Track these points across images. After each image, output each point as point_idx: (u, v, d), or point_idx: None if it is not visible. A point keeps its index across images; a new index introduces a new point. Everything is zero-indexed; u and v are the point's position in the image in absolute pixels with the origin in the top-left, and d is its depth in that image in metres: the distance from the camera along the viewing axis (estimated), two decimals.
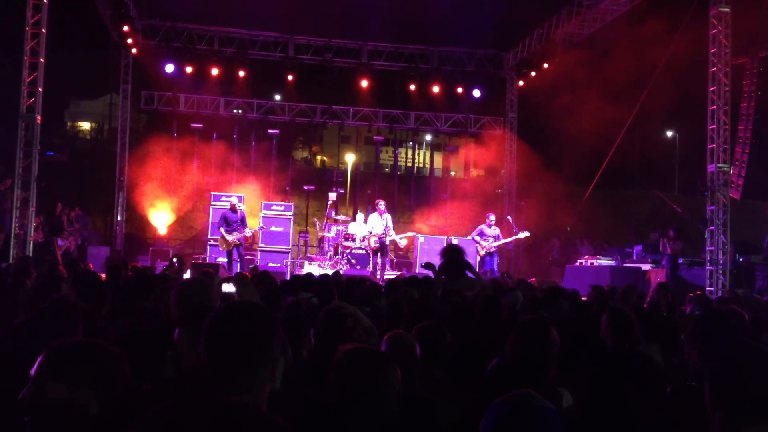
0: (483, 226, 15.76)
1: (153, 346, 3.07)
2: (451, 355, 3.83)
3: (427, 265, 8.48)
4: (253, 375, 2.02)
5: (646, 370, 4.17)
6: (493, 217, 15.88)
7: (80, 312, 3.73)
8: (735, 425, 2.07)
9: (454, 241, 17.14)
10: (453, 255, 9.08)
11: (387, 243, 15.65)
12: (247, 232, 15.40)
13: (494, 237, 15.59)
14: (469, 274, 8.90)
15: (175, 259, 11.45)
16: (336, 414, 2.33)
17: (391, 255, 17.72)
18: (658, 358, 4.67)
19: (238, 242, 14.95)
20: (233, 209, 15.16)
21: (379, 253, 15.60)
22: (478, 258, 15.57)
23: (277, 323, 2.12)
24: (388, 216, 15.81)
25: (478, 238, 15.61)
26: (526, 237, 16.04)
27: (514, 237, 16.05)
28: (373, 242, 15.57)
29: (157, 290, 5.06)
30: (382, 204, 15.91)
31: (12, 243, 13.61)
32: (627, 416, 3.16)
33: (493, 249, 15.55)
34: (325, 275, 9.12)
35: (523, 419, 1.98)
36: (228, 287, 4.37)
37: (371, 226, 15.73)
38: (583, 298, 9.06)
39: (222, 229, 15.00)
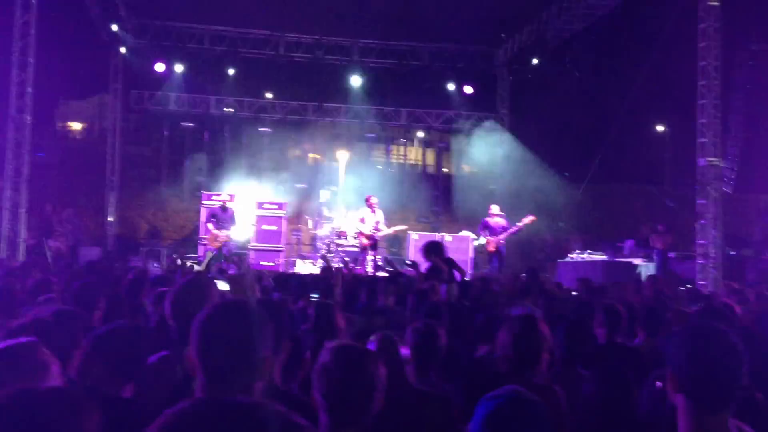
0: (488, 219, 15.34)
1: (130, 346, 3.04)
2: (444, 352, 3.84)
3: (412, 265, 8.56)
4: (244, 374, 2.02)
5: (639, 363, 4.20)
6: (495, 207, 15.55)
7: (81, 322, 3.70)
8: (696, 411, 2.10)
9: (447, 239, 17.06)
10: (434, 254, 9.11)
11: (378, 239, 15.48)
12: (236, 227, 15.43)
13: (501, 228, 15.14)
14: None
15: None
16: (320, 410, 2.35)
17: (385, 251, 17.69)
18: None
19: (227, 238, 14.98)
20: (223, 208, 15.20)
21: (370, 250, 15.44)
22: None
23: (268, 321, 2.12)
24: (380, 212, 15.56)
25: (485, 233, 15.21)
26: (532, 220, 15.38)
27: (518, 224, 15.33)
28: (365, 239, 15.40)
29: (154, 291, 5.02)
30: (374, 199, 15.59)
31: (3, 246, 13.53)
32: (630, 409, 3.17)
33: (502, 242, 15.15)
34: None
35: (511, 415, 1.96)
36: (221, 285, 4.36)
37: (363, 221, 15.47)
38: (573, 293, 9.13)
39: (210, 225, 15.04)
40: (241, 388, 1.99)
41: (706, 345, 2.13)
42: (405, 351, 3.30)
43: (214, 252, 14.40)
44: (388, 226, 15.73)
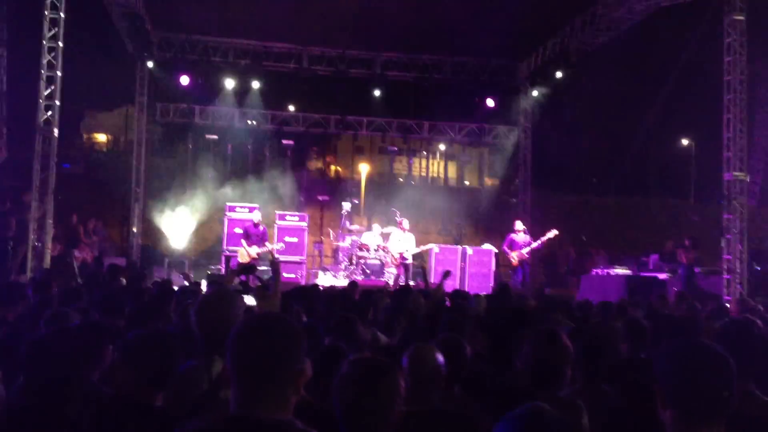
0: (513, 235, 15.96)
1: (163, 353, 3.01)
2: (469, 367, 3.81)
3: (445, 274, 8.64)
4: (278, 388, 2.03)
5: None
6: (519, 224, 16.19)
7: (107, 332, 3.73)
8: (686, 425, 2.08)
9: (469, 252, 17.20)
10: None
11: (408, 260, 16.06)
12: (268, 246, 15.64)
13: (525, 243, 15.73)
14: None
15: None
16: (339, 421, 2.36)
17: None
18: None
19: (256, 256, 15.18)
20: (256, 225, 15.48)
21: (399, 267, 16.11)
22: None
23: (303, 335, 2.13)
24: (411, 235, 16.38)
25: (508, 249, 15.82)
26: (556, 235, 15.89)
27: (542, 239, 15.96)
28: (393, 260, 16.00)
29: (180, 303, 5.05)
30: (405, 223, 16.43)
31: (30, 255, 13.68)
32: (654, 426, 3.14)
33: (527, 256, 15.72)
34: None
35: None
36: (248, 300, 4.38)
37: (393, 241, 16.32)
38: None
39: (243, 242, 15.28)
40: (276, 401, 2.01)
41: (693, 359, 2.14)
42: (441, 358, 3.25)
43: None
44: (417, 245, 16.66)
